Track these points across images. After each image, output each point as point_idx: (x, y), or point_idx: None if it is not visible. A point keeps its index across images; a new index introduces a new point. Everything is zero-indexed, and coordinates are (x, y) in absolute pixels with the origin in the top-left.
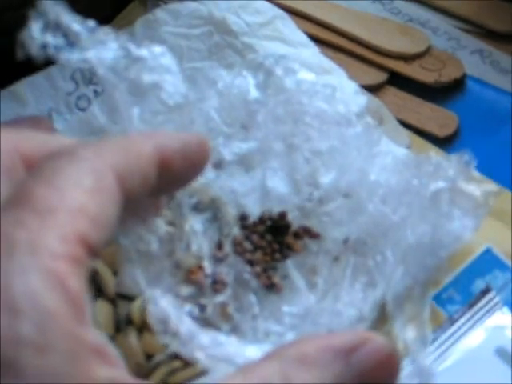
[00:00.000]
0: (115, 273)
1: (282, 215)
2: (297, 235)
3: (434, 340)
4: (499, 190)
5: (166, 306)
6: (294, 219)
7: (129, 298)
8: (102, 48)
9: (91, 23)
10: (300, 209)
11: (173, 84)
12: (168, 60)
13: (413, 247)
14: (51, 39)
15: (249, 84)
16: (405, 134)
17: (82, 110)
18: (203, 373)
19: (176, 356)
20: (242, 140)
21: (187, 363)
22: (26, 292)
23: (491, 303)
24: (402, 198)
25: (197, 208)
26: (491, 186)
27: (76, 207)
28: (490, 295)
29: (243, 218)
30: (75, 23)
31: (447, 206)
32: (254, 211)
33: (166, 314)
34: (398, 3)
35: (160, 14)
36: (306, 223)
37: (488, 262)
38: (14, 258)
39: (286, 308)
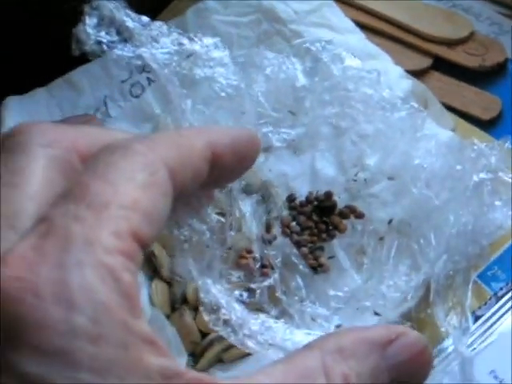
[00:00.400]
0: (171, 255)
1: (328, 195)
2: (342, 215)
3: (480, 316)
4: None
5: (217, 294)
6: (341, 200)
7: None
8: (155, 44)
9: (145, 19)
10: (346, 190)
11: (225, 76)
12: (220, 52)
13: (455, 236)
14: (105, 35)
15: (296, 70)
16: (449, 117)
17: (136, 97)
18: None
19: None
20: (290, 126)
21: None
22: (82, 285)
23: None
24: (445, 182)
25: (246, 190)
26: None
27: (129, 202)
28: None
29: (291, 199)
30: (129, 19)
31: (489, 196)
32: (303, 193)
33: (217, 302)
34: None
35: (210, 3)
36: (352, 203)
37: None
38: (70, 252)
39: (331, 291)
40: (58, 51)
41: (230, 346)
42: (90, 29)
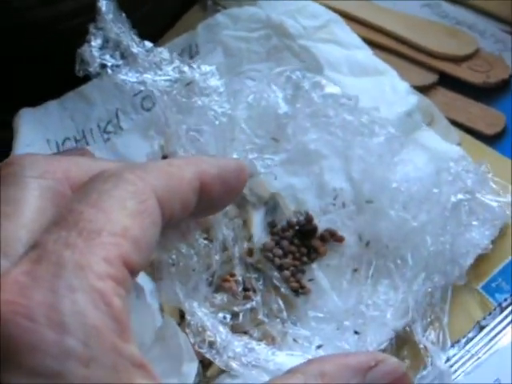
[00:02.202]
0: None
1: (309, 219)
2: (323, 238)
3: (484, 326)
4: None
5: (203, 317)
6: (321, 223)
7: None
8: (157, 70)
9: (148, 44)
10: (326, 213)
11: (219, 104)
12: (216, 81)
13: (433, 255)
14: (110, 58)
15: (278, 98)
16: (455, 132)
17: (148, 110)
18: None
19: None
20: (274, 152)
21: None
22: (74, 310)
23: None
24: (422, 205)
25: (227, 214)
26: (508, 197)
27: (120, 230)
28: None
29: (272, 225)
30: (133, 44)
31: (466, 216)
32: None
33: (202, 325)
34: (446, 7)
35: (220, 18)
36: (331, 227)
37: None
38: (62, 277)
39: (312, 313)
40: (69, 65)
41: None
42: (94, 51)
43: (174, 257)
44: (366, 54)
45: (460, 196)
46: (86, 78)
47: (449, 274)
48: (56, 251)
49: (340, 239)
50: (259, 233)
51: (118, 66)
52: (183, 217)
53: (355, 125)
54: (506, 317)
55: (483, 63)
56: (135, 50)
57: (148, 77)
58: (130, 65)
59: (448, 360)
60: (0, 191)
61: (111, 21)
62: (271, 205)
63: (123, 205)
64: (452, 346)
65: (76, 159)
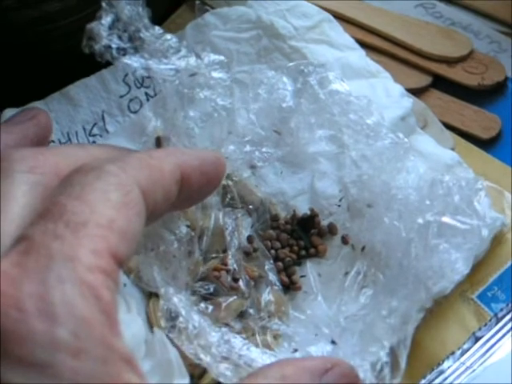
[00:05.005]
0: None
1: (313, 212)
2: (321, 234)
3: (480, 337)
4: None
5: (178, 303)
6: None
7: None
8: (163, 58)
9: (158, 30)
10: (329, 214)
11: (222, 97)
12: (223, 73)
13: (401, 273)
14: (117, 40)
15: (286, 91)
16: (449, 136)
17: (134, 112)
18: None
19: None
20: (274, 145)
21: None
22: (63, 300)
23: None
24: (414, 215)
25: (230, 204)
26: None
27: (105, 221)
28: None
29: (274, 219)
30: (143, 28)
31: (434, 238)
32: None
33: (176, 311)
34: (441, 7)
35: (209, 18)
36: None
37: None
38: (52, 268)
39: (294, 312)
40: (56, 64)
41: None
42: (103, 29)
43: (154, 241)
44: (359, 56)
45: (428, 217)
46: (73, 78)
47: (414, 297)
48: (44, 242)
49: (345, 241)
50: (232, 236)
51: (123, 48)
52: (165, 208)
53: (360, 125)
54: (503, 327)
55: (478, 65)
56: (143, 34)
57: (153, 64)
58: (137, 49)
59: (442, 372)
60: None
61: (124, 2)
62: (247, 209)
63: (107, 197)
64: (447, 357)
65: (63, 150)
